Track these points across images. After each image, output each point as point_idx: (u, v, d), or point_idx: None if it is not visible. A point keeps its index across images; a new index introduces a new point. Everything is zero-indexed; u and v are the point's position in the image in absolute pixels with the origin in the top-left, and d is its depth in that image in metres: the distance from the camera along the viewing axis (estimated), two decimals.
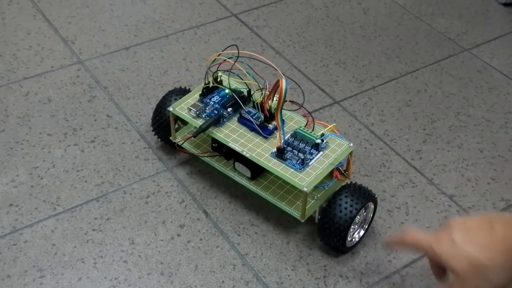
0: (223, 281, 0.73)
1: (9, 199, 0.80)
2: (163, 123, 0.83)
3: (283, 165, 0.72)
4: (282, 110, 0.73)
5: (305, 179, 0.71)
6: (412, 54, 1.10)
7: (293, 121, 0.78)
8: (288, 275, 0.74)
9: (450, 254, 0.55)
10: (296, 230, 0.79)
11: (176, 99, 0.81)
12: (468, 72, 1.07)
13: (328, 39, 1.12)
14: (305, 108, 0.78)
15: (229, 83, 0.79)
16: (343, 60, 1.07)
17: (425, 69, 1.07)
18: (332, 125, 0.76)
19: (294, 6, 1.19)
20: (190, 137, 0.77)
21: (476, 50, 1.12)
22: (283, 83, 0.70)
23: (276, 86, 0.72)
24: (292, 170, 0.72)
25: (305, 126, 0.76)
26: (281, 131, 0.72)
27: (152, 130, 0.85)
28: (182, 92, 0.84)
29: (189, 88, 0.85)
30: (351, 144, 0.75)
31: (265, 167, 0.73)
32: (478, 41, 1.14)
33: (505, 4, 1.24)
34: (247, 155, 0.73)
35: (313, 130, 0.76)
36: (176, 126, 0.83)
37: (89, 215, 0.79)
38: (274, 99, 0.74)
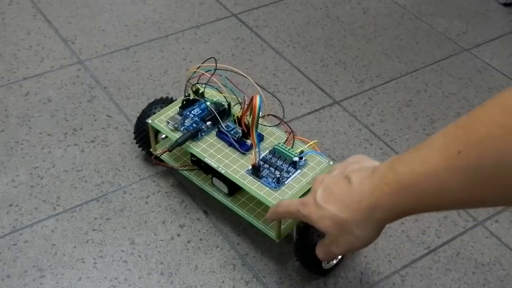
0: (223, 281, 0.73)
1: (9, 199, 0.80)
2: (143, 134, 0.81)
3: (258, 183, 0.70)
4: (264, 125, 0.72)
5: (279, 198, 0.68)
6: (412, 54, 1.10)
7: (273, 136, 0.76)
8: (288, 275, 0.74)
9: (316, 215, 0.56)
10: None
11: (158, 110, 0.79)
12: (468, 72, 1.07)
13: (328, 39, 1.12)
14: (286, 123, 0.76)
15: (204, 97, 0.77)
16: (343, 60, 1.07)
17: (425, 69, 1.07)
18: (313, 141, 0.74)
19: (294, 6, 1.19)
20: (166, 151, 0.75)
21: (476, 50, 1.12)
22: (257, 101, 0.67)
23: (250, 103, 0.69)
24: (267, 188, 0.69)
25: (284, 143, 0.74)
26: (257, 148, 0.70)
27: (134, 138, 0.83)
28: (167, 102, 0.82)
29: (174, 98, 0.83)
30: (331, 163, 0.72)
31: (239, 184, 0.70)
32: (478, 41, 1.14)
33: (505, 4, 1.24)
34: (223, 172, 0.71)
35: (292, 147, 0.73)
36: (164, 136, 0.81)
37: (89, 215, 0.79)
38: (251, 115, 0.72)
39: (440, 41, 1.14)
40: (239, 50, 1.07)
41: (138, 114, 0.93)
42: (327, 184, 0.57)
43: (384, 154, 0.90)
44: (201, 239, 0.77)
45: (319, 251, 0.62)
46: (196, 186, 0.83)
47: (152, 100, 0.95)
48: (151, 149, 0.81)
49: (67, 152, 0.86)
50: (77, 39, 1.07)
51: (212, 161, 0.72)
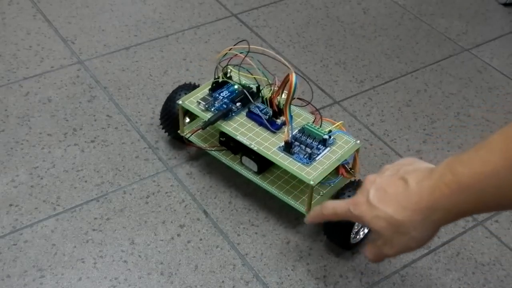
0: (223, 281, 0.73)
1: (9, 199, 0.80)
2: (171, 118, 0.84)
3: (290, 159, 0.73)
4: (291, 106, 0.74)
5: (312, 173, 0.71)
6: (412, 54, 1.10)
7: (301, 117, 0.79)
8: (288, 275, 0.74)
9: (369, 216, 0.55)
10: (296, 230, 0.79)
11: (185, 93, 0.82)
12: (468, 72, 1.07)
13: (328, 39, 1.12)
14: (313, 105, 0.79)
15: (239, 78, 0.80)
16: (343, 60, 1.07)
17: (425, 69, 1.07)
18: (340, 122, 0.77)
19: (294, 6, 1.19)
20: (199, 129, 0.78)
21: (476, 50, 1.12)
22: (293, 78, 0.71)
23: (285, 81, 0.72)
24: (299, 164, 0.72)
25: (312, 123, 0.77)
26: (290, 125, 0.73)
27: (160, 124, 0.86)
28: (191, 87, 0.85)
29: (198, 84, 0.86)
30: (358, 142, 0.76)
31: (272, 160, 0.73)
32: (478, 41, 1.14)
33: (505, 4, 1.24)
34: (255, 148, 0.74)
35: (320, 127, 0.77)
36: (188, 121, 0.84)
37: (89, 215, 0.79)
38: (283, 95, 0.75)
39: (440, 41, 1.14)
40: (239, 50, 1.07)
41: (138, 114, 0.93)
42: (380, 184, 0.56)
43: (384, 154, 0.90)
44: (201, 239, 0.77)
45: (370, 253, 0.60)
46: (196, 186, 0.83)
47: (152, 100, 0.95)
48: (179, 131, 0.83)
49: (67, 152, 0.86)
50: (77, 39, 1.07)
51: (244, 139, 0.75)
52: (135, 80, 0.99)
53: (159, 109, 0.94)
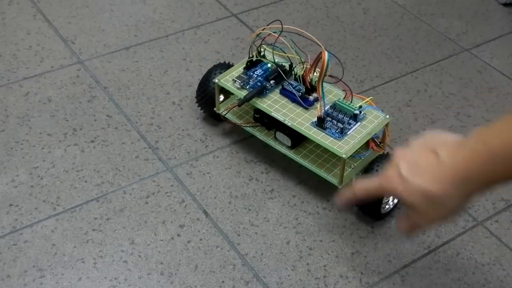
0: (223, 281, 0.73)
1: (9, 199, 0.80)
2: (207, 95, 0.87)
3: (323, 133, 0.76)
4: (323, 83, 0.77)
5: (343, 146, 0.75)
6: (412, 54, 1.10)
7: (332, 94, 0.82)
8: (288, 275, 0.74)
9: (402, 189, 0.55)
10: (296, 230, 0.79)
11: (220, 73, 0.85)
12: (468, 72, 1.07)
13: (328, 39, 1.12)
14: (343, 82, 0.81)
15: (273, 56, 0.82)
16: (343, 60, 1.07)
17: (425, 69, 1.07)
18: (369, 98, 0.80)
19: (294, 6, 1.19)
20: (235, 106, 0.82)
21: (476, 50, 1.12)
22: (325, 56, 0.74)
23: (318, 59, 0.75)
24: (332, 138, 0.76)
25: (343, 99, 0.80)
26: (322, 101, 0.76)
27: (196, 102, 0.89)
28: (225, 66, 0.87)
29: (232, 63, 0.88)
30: (387, 116, 0.79)
31: (306, 135, 0.77)
32: (478, 41, 1.14)
33: (505, 4, 1.24)
34: (289, 124, 0.78)
35: (351, 103, 0.79)
36: (222, 99, 0.87)
37: (89, 215, 0.79)
38: (315, 73, 0.78)
39: (440, 41, 1.14)
40: (239, 50, 1.07)
41: (138, 114, 0.93)
42: (411, 157, 0.56)
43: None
44: (201, 239, 0.77)
45: (404, 225, 0.60)
46: (196, 186, 0.83)
47: (152, 100, 0.95)
48: (214, 109, 0.86)
49: (67, 152, 0.86)
50: (77, 39, 1.07)
51: (279, 115, 0.79)
52: (135, 80, 0.99)
53: (159, 109, 0.94)
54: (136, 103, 0.95)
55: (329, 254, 0.76)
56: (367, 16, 1.18)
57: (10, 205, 0.79)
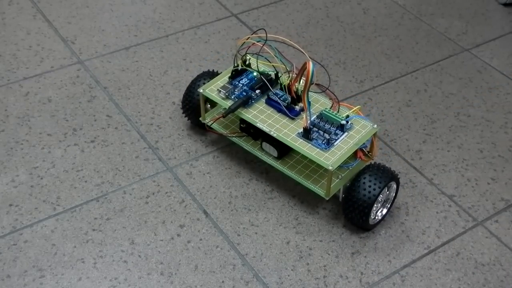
0: (223, 281, 0.73)
1: (9, 199, 0.80)
2: (193, 105, 0.86)
3: (309, 144, 0.75)
4: (309, 92, 0.76)
5: (330, 158, 0.74)
6: (412, 54, 1.10)
7: (318, 103, 0.81)
8: (288, 275, 0.74)
9: None
10: (296, 230, 0.79)
11: (205, 82, 0.84)
12: (468, 72, 1.07)
13: (328, 39, 1.12)
14: (330, 91, 0.81)
15: (257, 65, 0.81)
16: (343, 60, 1.07)
17: (425, 69, 1.07)
18: (357, 107, 0.79)
19: (294, 6, 1.19)
20: (220, 117, 0.80)
21: (476, 50, 1.12)
22: (310, 66, 0.72)
23: (303, 69, 0.74)
24: (318, 149, 0.75)
25: (330, 108, 0.79)
26: (308, 111, 0.75)
27: (183, 113, 0.88)
28: (211, 75, 0.87)
29: (218, 72, 0.88)
30: (375, 126, 0.77)
31: (292, 146, 0.76)
32: (478, 41, 1.14)
33: (505, 4, 1.24)
34: (275, 135, 0.76)
35: (338, 112, 0.78)
36: (208, 106, 0.86)
37: (89, 215, 0.79)
38: (301, 81, 0.77)
39: (440, 41, 1.14)
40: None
41: (138, 114, 0.93)
42: None
43: (384, 154, 0.90)
44: (201, 239, 0.77)
45: None
46: (196, 186, 0.83)
47: (152, 100, 0.95)
48: (200, 118, 0.85)
49: (67, 152, 0.86)
50: (77, 39, 1.07)
51: (264, 126, 0.77)
52: (135, 80, 0.99)
53: (159, 109, 0.94)
54: (136, 103, 0.95)
55: (329, 254, 0.76)
56: (367, 16, 1.18)
57: (10, 205, 0.79)
